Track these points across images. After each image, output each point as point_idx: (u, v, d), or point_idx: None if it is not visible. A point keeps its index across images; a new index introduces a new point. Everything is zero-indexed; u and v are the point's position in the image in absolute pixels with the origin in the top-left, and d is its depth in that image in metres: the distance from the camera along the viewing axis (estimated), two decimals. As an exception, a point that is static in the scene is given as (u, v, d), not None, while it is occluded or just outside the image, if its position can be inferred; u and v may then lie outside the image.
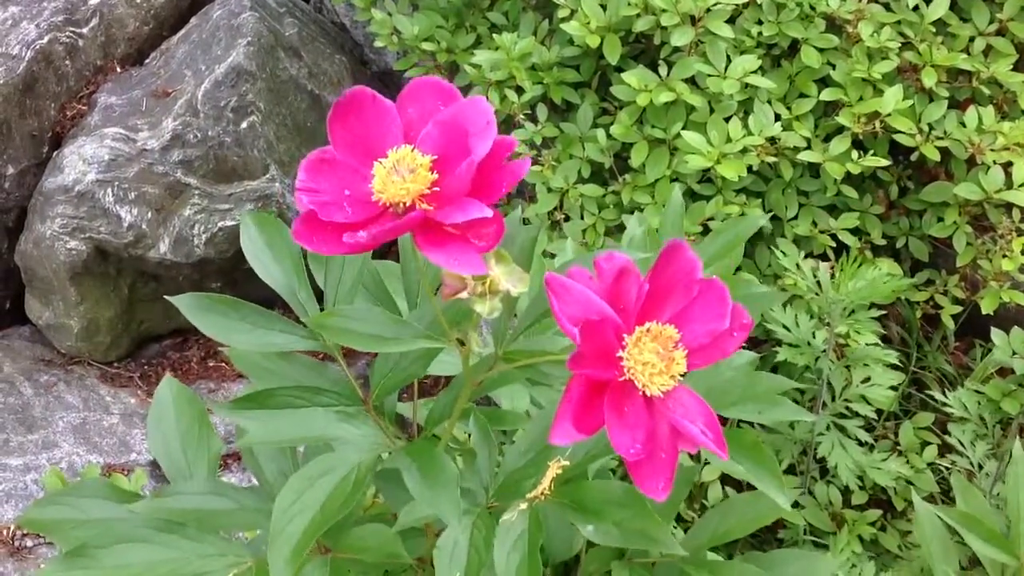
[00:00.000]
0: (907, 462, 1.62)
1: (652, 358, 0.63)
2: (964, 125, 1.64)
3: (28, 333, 2.09)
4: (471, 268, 0.63)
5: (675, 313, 0.65)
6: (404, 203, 0.65)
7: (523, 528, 0.79)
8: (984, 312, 1.64)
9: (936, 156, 1.62)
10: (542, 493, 0.80)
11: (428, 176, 0.65)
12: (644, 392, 0.64)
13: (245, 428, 0.82)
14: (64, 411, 1.90)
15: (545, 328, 0.80)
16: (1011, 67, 1.68)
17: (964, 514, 1.23)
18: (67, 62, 2.10)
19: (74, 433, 1.86)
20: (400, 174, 0.65)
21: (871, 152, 1.66)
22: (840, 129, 1.67)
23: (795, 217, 1.75)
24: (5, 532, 1.69)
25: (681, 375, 0.64)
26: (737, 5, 1.69)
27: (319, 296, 0.93)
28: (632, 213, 1.69)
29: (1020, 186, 1.61)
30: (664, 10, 1.67)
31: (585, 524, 0.76)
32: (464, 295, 0.69)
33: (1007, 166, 1.62)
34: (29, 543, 1.68)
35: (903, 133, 1.63)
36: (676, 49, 1.71)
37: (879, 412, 1.67)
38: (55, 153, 2.00)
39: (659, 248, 0.66)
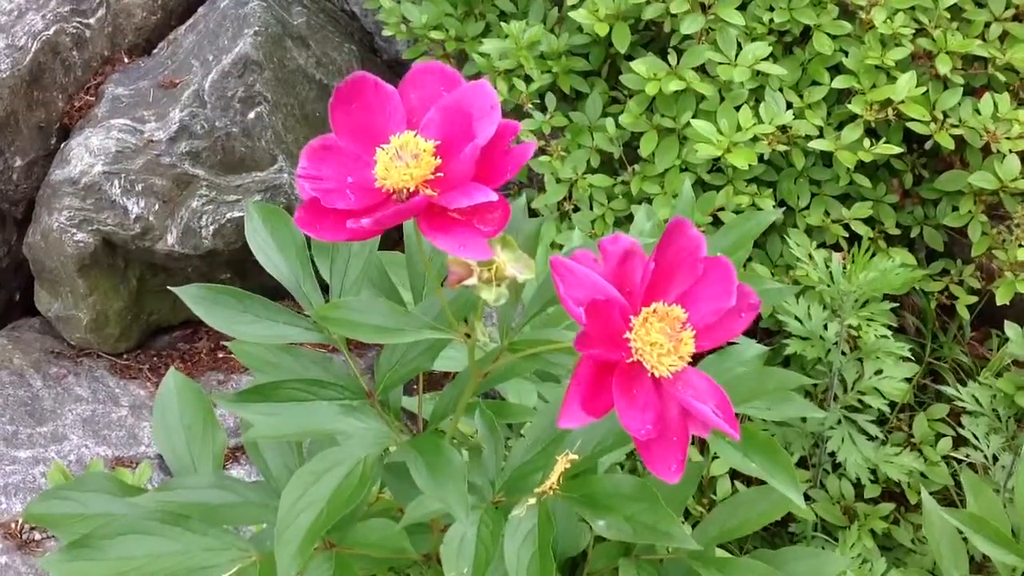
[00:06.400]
0: (921, 455, 1.61)
1: (660, 338, 0.62)
2: (979, 112, 1.62)
3: (38, 325, 2.09)
4: (477, 253, 0.62)
5: (681, 293, 0.64)
6: (407, 189, 0.65)
7: (533, 523, 0.78)
8: (999, 302, 1.62)
9: (951, 144, 1.60)
10: (551, 488, 0.79)
11: (432, 161, 0.65)
12: (653, 373, 0.63)
13: (250, 422, 0.81)
14: (73, 403, 1.90)
15: (553, 320, 0.79)
16: (1027, 53, 1.66)
17: (971, 515, 1.21)
18: (74, 53, 2.09)
19: (83, 425, 1.86)
20: (403, 159, 0.64)
21: (884, 140, 1.64)
22: (853, 117, 1.66)
23: (807, 207, 1.73)
24: (13, 525, 1.69)
25: (690, 356, 0.63)
26: (748, -9, 1.67)
27: (324, 288, 0.92)
28: (641, 203, 1.67)
29: (1036, 174, 1.59)
30: (674, -3, 1.65)
31: (596, 519, 0.75)
32: (470, 282, 0.67)
33: (1023, 155, 1.60)
34: (37, 536, 1.68)
35: (917, 121, 1.61)
36: (686, 37, 1.69)
37: (892, 404, 1.65)
38: (62, 145, 1.99)
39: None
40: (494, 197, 0.62)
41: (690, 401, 0.62)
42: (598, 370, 0.62)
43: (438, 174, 0.65)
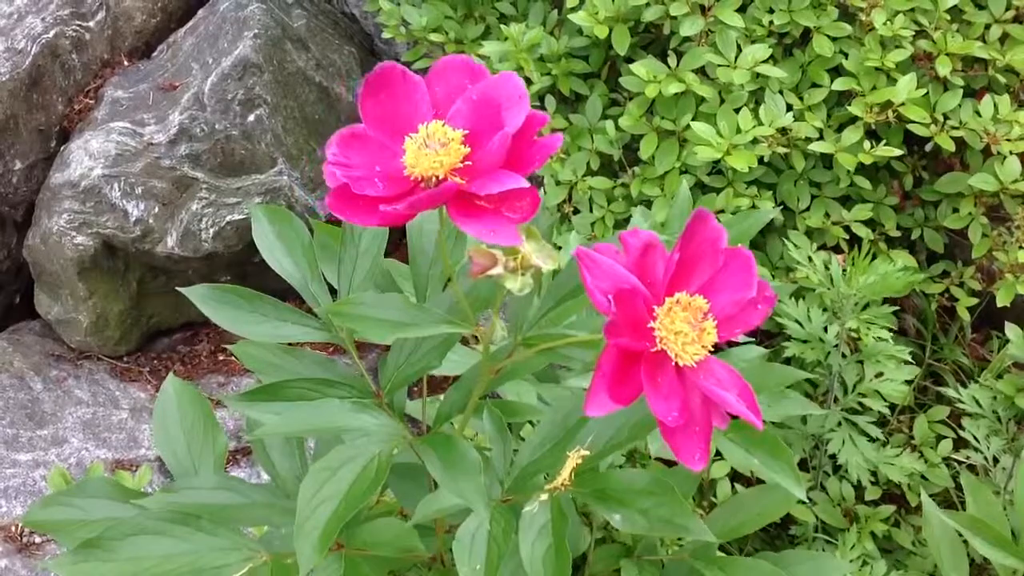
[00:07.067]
0: (921, 456, 1.61)
1: (684, 327, 0.63)
2: (979, 114, 1.62)
3: (38, 328, 2.09)
4: (507, 239, 0.63)
5: (703, 283, 0.65)
6: (436, 177, 0.65)
7: (547, 518, 0.78)
8: (1000, 304, 1.63)
9: (951, 146, 1.61)
10: (562, 484, 0.79)
11: (461, 149, 0.65)
12: (677, 362, 0.64)
13: (258, 421, 0.81)
14: (74, 406, 1.90)
15: (563, 316, 0.79)
16: (1028, 55, 1.66)
17: (971, 517, 1.21)
18: (74, 56, 2.09)
19: (83, 428, 1.85)
20: (432, 148, 0.65)
21: (884, 142, 1.64)
22: (853, 119, 1.66)
23: (807, 209, 1.73)
24: (14, 529, 1.68)
25: (713, 345, 0.64)
26: (748, -7, 1.68)
27: (331, 292, 0.92)
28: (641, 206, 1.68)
29: (1036, 176, 1.59)
30: (674, -1, 1.65)
31: (611, 513, 0.75)
32: (495, 271, 0.68)
33: (1023, 157, 1.61)
34: (38, 539, 1.68)
35: (917, 123, 1.62)
36: (686, 39, 1.70)
37: (893, 406, 1.65)
38: (62, 148, 1.99)
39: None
40: (525, 184, 0.63)
41: (713, 389, 0.62)
42: (623, 359, 0.63)
43: (467, 162, 0.65)
